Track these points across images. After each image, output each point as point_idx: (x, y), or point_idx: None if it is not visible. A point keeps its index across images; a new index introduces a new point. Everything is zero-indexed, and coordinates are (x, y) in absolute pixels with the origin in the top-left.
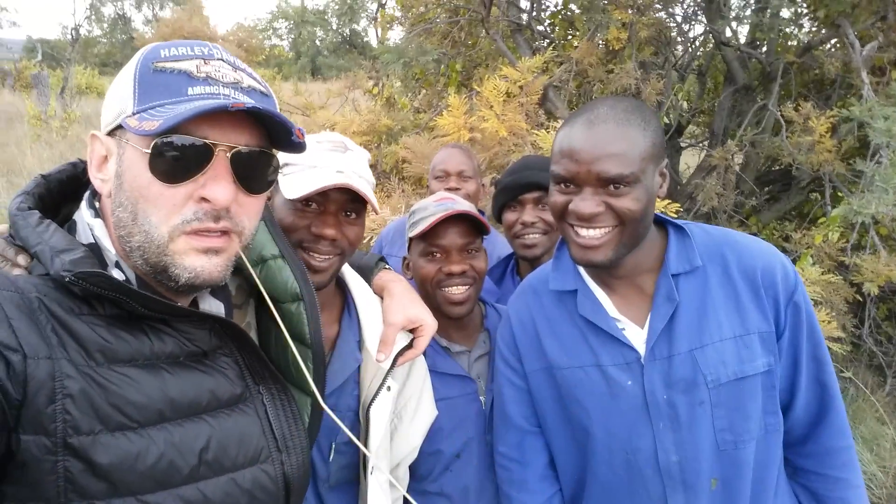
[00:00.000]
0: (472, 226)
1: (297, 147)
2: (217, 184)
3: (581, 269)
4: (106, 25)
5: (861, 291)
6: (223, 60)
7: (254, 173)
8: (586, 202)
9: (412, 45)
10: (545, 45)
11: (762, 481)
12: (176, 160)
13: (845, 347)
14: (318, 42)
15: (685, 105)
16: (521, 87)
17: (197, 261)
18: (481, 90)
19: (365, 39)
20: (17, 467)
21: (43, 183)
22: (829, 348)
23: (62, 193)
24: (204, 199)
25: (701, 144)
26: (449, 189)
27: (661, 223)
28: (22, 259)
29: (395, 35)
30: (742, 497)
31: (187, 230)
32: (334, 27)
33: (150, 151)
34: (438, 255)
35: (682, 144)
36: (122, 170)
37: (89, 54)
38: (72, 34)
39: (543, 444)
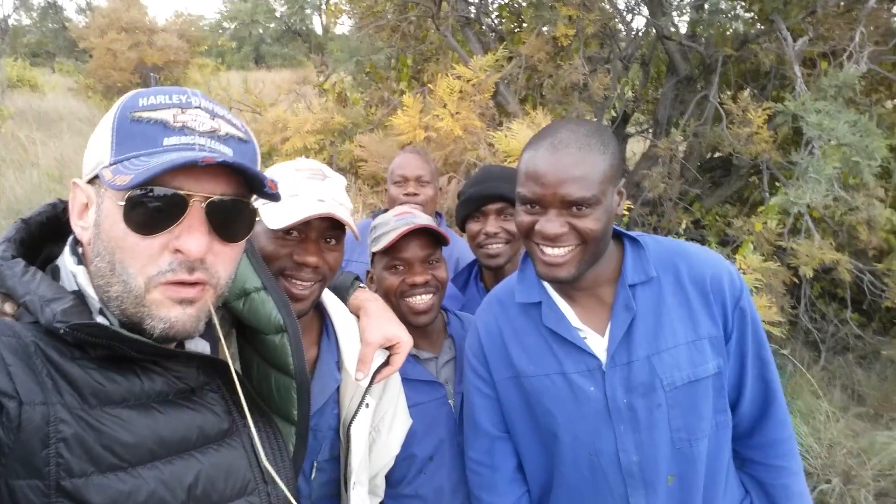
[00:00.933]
0: (432, 238)
1: (272, 197)
2: (191, 235)
3: (545, 283)
4: (35, 14)
5: (798, 274)
6: (201, 108)
7: (229, 222)
8: (552, 223)
9: (363, 43)
10: (494, 39)
11: (714, 474)
12: (150, 212)
13: (784, 330)
14: (261, 31)
15: (629, 93)
16: (473, 85)
17: (171, 312)
18: (434, 89)
19: (309, 26)
20: None
21: (23, 228)
22: (769, 332)
23: (42, 236)
24: (178, 251)
25: (646, 132)
26: (407, 194)
27: (618, 236)
28: (9, 307)
29: (341, 27)
30: (696, 490)
31: (163, 281)
32: (278, 16)
33: (124, 203)
34: (401, 267)
35: (629, 132)
36: (100, 219)
37: (19, 45)
38: (1, 25)
39: (512, 448)
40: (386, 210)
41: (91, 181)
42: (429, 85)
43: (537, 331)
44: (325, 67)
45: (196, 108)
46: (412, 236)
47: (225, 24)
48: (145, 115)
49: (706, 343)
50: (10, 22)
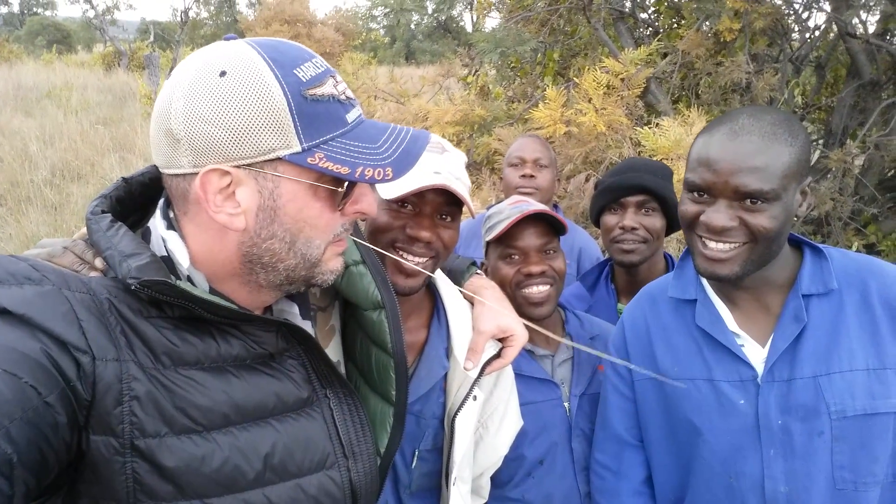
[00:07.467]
0: (548, 226)
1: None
2: (366, 197)
3: (703, 280)
4: (213, 7)
5: None
6: (330, 69)
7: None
8: (719, 215)
9: (510, 34)
10: (648, 34)
11: None
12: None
13: None
14: (412, 26)
15: (799, 100)
16: (622, 80)
17: (337, 263)
18: (580, 82)
19: (460, 24)
20: (90, 466)
21: (123, 186)
22: None
23: (144, 195)
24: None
25: (815, 143)
26: (523, 176)
27: (797, 243)
28: (99, 262)
29: (491, 21)
30: None
31: (333, 241)
32: (430, 11)
33: (342, 190)
34: (516, 256)
35: None
36: (276, 203)
37: (196, 36)
38: (181, 17)
39: (643, 459)
40: (500, 201)
41: (243, 165)
42: (574, 79)
43: (688, 330)
44: (470, 61)
45: (331, 70)
46: (527, 224)
47: (374, 13)
48: (318, 91)
49: (892, 374)
50: (191, 14)
